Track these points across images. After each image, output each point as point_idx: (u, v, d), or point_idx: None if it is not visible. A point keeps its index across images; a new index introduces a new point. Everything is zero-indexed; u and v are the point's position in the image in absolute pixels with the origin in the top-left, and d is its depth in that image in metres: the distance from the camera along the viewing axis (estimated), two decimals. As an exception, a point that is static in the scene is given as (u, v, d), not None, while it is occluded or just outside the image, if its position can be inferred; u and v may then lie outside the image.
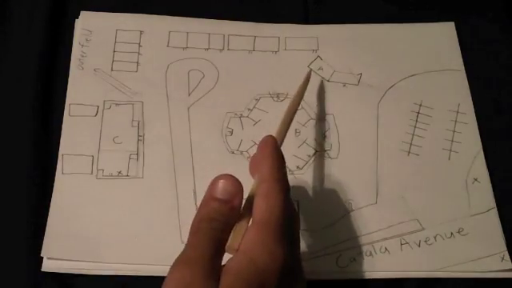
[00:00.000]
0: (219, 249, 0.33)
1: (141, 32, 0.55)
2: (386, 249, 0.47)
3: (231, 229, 0.34)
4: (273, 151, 0.37)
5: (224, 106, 0.52)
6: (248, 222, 0.34)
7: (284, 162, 0.37)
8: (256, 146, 0.49)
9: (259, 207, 0.34)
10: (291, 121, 0.43)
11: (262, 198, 0.34)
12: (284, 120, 0.43)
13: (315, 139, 0.51)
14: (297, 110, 0.45)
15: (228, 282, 0.31)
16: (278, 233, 0.33)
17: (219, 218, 0.34)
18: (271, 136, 0.38)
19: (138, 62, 0.53)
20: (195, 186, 0.48)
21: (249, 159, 0.49)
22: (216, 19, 0.56)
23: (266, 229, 0.33)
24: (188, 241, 0.33)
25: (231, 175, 0.35)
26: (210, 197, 0.35)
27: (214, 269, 0.31)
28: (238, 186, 0.35)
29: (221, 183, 0.35)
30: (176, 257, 0.32)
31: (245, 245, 0.33)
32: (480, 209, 0.49)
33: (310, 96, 0.53)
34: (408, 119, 0.52)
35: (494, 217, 0.48)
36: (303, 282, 0.36)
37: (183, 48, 0.55)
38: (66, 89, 0.51)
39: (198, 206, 0.35)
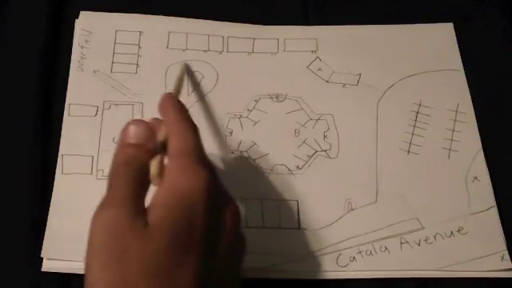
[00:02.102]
0: (141, 188, 0.33)
1: (140, 33, 0.55)
2: (385, 248, 0.47)
3: (149, 170, 0.34)
4: (173, 101, 0.38)
5: (223, 106, 0.52)
6: (164, 157, 0.34)
7: (186, 108, 0.38)
8: (256, 145, 0.50)
9: (173, 142, 0.34)
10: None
11: (174, 135, 0.34)
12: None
13: (315, 139, 0.51)
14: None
15: (156, 213, 0.31)
16: (197, 157, 0.34)
17: (136, 161, 0.34)
18: (168, 93, 0.40)
19: (137, 63, 0.54)
20: (195, 186, 0.48)
21: (249, 160, 0.50)
22: (215, 21, 0.56)
23: (184, 156, 0.33)
24: (108, 186, 0.33)
25: (141, 120, 0.36)
26: (122, 143, 0.35)
27: (139, 206, 0.32)
28: (148, 128, 0.35)
29: (131, 128, 0.35)
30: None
31: (167, 176, 0.33)
32: (480, 207, 0.49)
33: (310, 96, 0.53)
34: (407, 119, 0.52)
35: (493, 216, 0.48)
36: (234, 207, 0.35)
37: (183, 49, 0.55)
38: (66, 89, 0.51)
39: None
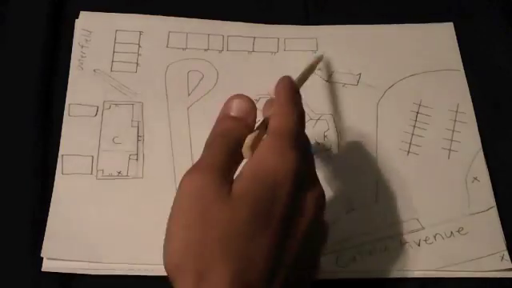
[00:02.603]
0: (232, 160, 0.34)
1: (140, 32, 0.55)
2: (385, 248, 0.47)
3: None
4: (290, 84, 0.38)
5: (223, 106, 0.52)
6: (263, 135, 0.35)
7: (300, 95, 0.38)
8: (255, 146, 0.50)
9: (275, 121, 0.35)
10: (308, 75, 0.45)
11: (277, 114, 0.35)
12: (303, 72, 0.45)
13: (315, 139, 0.51)
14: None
15: (241, 184, 0.32)
16: (291, 141, 0.34)
17: (234, 134, 0.35)
18: (287, 76, 0.40)
19: (137, 63, 0.54)
20: (195, 186, 0.48)
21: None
22: (215, 20, 0.56)
23: (279, 137, 0.34)
24: (202, 154, 0.34)
25: (245, 95, 0.37)
26: (224, 115, 0.36)
27: (227, 176, 0.32)
28: (251, 104, 0.36)
29: (235, 102, 0.36)
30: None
31: (258, 151, 0.33)
32: (480, 208, 0.49)
33: (309, 96, 0.53)
34: (407, 119, 0.52)
35: (493, 216, 0.48)
36: (320, 191, 0.36)
37: (183, 48, 0.55)
38: (66, 89, 0.51)
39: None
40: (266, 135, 0.35)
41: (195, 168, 0.33)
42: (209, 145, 0.35)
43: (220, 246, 0.30)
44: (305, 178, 0.34)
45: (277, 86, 0.38)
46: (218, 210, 0.30)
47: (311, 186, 0.35)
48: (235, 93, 0.52)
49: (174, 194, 0.47)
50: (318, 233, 0.36)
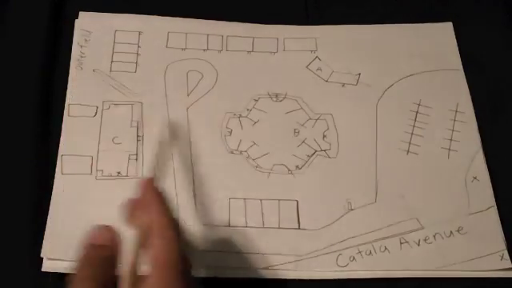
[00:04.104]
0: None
1: (140, 33, 0.55)
2: (385, 248, 0.47)
3: (113, 274, 0.34)
4: (157, 192, 0.37)
5: (223, 106, 0.52)
6: (136, 267, 0.33)
7: (168, 201, 0.37)
8: (255, 146, 0.50)
9: (156, 249, 0.33)
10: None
11: (159, 239, 0.33)
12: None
13: (314, 139, 0.51)
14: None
15: None
16: (181, 273, 0.33)
17: (100, 262, 0.34)
18: (149, 178, 0.39)
19: (136, 63, 0.54)
20: (194, 186, 0.48)
21: (248, 159, 0.50)
22: (215, 20, 0.56)
23: (169, 271, 0.32)
24: None
25: (108, 225, 0.36)
26: (88, 244, 0.35)
27: None
28: (114, 232, 0.36)
29: (98, 230, 0.36)
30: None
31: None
32: (479, 207, 0.49)
33: (309, 96, 0.53)
34: (407, 118, 0.52)
35: (493, 215, 0.48)
36: None
37: (182, 49, 0.55)
38: (65, 89, 0.51)
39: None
40: (149, 264, 0.33)
41: None
42: (77, 281, 0.33)
43: None
44: None
45: (142, 191, 0.37)
46: None
47: None
48: (235, 92, 0.53)
49: (174, 194, 0.47)
50: None
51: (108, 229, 0.36)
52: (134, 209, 0.37)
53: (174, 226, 0.35)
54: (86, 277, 0.33)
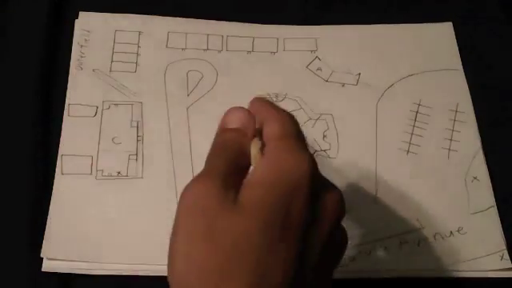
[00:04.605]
0: (236, 170, 0.31)
1: (140, 33, 0.55)
2: (385, 248, 0.47)
3: (247, 153, 0.32)
4: (265, 100, 0.36)
5: (223, 106, 0.52)
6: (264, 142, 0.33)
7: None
8: (255, 146, 0.50)
9: (273, 127, 0.32)
10: None
11: (273, 121, 0.33)
12: None
13: (314, 139, 0.51)
14: None
15: (252, 192, 0.29)
16: (300, 140, 0.32)
17: (234, 144, 0.32)
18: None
19: (136, 63, 0.53)
20: (194, 186, 0.48)
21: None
22: (215, 20, 0.56)
23: (287, 138, 0.31)
24: (205, 165, 0.31)
25: (241, 107, 0.34)
26: (222, 128, 0.34)
27: (233, 184, 0.29)
28: (249, 115, 0.34)
29: (232, 114, 0.34)
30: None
31: (267, 155, 0.31)
32: (479, 207, 0.49)
33: (309, 96, 0.53)
34: (407, 118, 0.53)
35: (493, 215, 0.48)
36: (339, 194, 0.32)
37: (182, 49, 0.55)
38: (65, 89, 0.51)
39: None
40: (266, 142, 0.33)
41: (195, 179, 0.30)
42: (209, 156, 0.32)
43: (230, 261, 0.27)
44: (321, 181, 0.31)
45: (254, 104, 0.36)
46: (226, 220, 0.27)
47: (330, 188, 0.32)
48: (234, 92, 0.53)
49: (174, 194, 0.47)
50: (337, 240, 0.33)
51: (240, 110, 0.34)
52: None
53: (289, 115, 0.34)
54: (217, 154, 0.32)
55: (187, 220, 0.28)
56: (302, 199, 0.29)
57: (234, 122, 0.34)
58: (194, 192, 0.29)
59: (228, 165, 0.31)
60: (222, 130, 0.34)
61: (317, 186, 0.30)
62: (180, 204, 0.29)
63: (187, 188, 0.29)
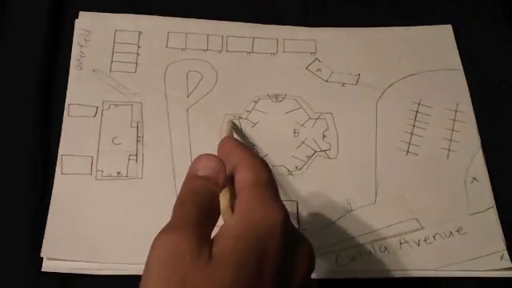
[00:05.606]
0: (207, 219, 0.31)
1: (139, 33, 0.55)
2: (385, 248, 0.47)
3: (217, 203, 0.32)
4: (236, 141, 0.37)
5: (223, 107, 0.52)
6: (233, 192, 0.33)
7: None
8: (255, 147, 0.50)
9: (245, 174, 0.32)
10: None
11: (245, 168, 0.33)
12: None
13: (314, 139, 0.51)
14: None
15: (224, 245, 0.29)
16: (272, 189, 0.32)
17: (205, 192, 0.32)
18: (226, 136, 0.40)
19: (136, 63, 0.53)
20: (194, 186, 0.48)
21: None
22: (215, 20, 0.56)
23: (259, 188, 0.31)
24: (173, 213, 0.31)
25: (212, 154, 0.34)
26: (192, 175, 0.34)
27: (205, 236, 0.29)
28: (219, 163, 0.34)
29: (202, 161, 0.34)
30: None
31: (238, 207, 0.31)
32: (479, 208, 0.49)
33: (309, 95, 0.53)
34: (407, 118, 0.53)
35: (493, 216, 0.48)
36: (310, 247, 0.32)
37: (182, 49, 0.55)
38: (65, 89, 0.51)
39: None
40: (237, 191, 0.33)
41: (168, 228, 0.30)
42: (178, 204, 0.32)
43: None
44: (293, 232, 0.31)
45: (223, 146, 0.37)
46: (200, 273, 0.27)
47: (302, 240, 0.32)
48: (234, 93, 0.53)
49: (174, 195, 0.47)
50: None
51: (211, 158, 0.34)
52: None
53: (262, 162, 0.34)
54: (187, 202, 0.32)
55: (160, 271, 0.28)
56: (275, 249, 0.29)
57: (205, 170, 0.33)
58: (168, 244, 0.29)
59: (199, 214, 0.31)
60: (192, 177, 0.34)
61: (290, 235, 0.30)
62: (152, 254, 0.29)
63: (159, 238, 0.29)
